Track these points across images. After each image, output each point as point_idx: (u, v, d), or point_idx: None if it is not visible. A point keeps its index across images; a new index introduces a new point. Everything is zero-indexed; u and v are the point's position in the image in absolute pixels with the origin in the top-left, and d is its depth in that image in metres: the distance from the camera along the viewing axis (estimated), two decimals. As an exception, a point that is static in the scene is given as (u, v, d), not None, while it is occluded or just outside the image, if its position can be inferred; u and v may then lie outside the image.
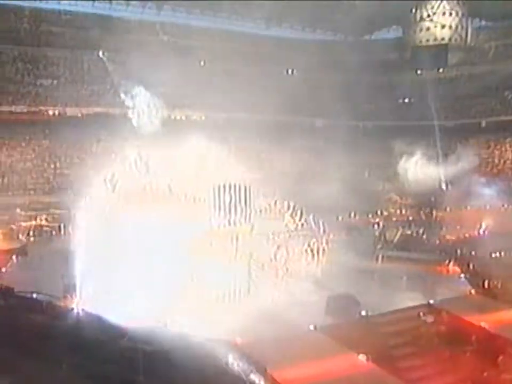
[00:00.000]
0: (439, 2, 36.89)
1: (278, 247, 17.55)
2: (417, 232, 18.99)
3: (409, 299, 14.31)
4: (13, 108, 31.87)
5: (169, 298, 13.45)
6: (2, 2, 34.06)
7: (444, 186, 29.38)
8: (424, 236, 18.62)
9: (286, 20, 39.46)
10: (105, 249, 14.14)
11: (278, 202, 21.49)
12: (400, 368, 11.56)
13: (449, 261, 17.02)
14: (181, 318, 12.52)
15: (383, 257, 17.77)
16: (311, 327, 12.26)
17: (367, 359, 10.98)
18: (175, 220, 15.03)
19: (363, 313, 13.25)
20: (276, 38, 39.28)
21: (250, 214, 17.17)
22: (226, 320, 12.86)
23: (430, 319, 13.62)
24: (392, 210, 24.56)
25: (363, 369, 10.77)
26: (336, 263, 17.03)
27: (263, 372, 9.94)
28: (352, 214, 24.81)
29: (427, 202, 26.73)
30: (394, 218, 20.59)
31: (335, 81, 38.65)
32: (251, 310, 13.89)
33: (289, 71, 38.73)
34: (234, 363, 10.19)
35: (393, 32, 39.59)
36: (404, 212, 24.26)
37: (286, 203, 22.03)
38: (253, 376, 9.61)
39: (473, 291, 14.95)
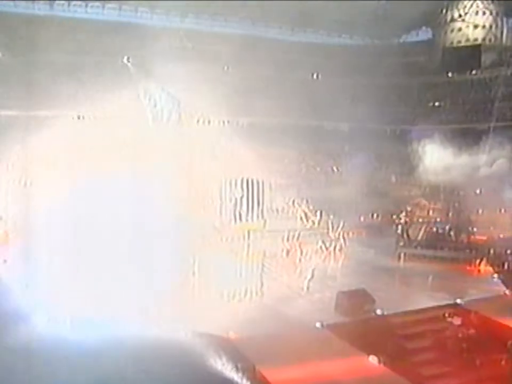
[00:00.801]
0: (471, 1, 34.78)
1: (294, 245, 16.21)
2: (443, 229, 17.02)
3: (434, 298, 12.47)
4: (40, 113, 31.75)
5: (176, 293, 12.33)
6: (29, 11, 34.28)
7: (477, 191, 27.18)
8: (452, 233, 16.65)
9: (311, 26, 38.11)
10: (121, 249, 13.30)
11: (296, 202, 20.06)
12: (419, 376, 9.73)
13: (481, 260, 15.09)
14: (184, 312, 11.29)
15: (405, 255, 16.00)
16: (317, 325, 10.60)
17: (379, 362, 9.22)
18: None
19: (378, 311, 11.50)
20: (301, 43, 37.97)
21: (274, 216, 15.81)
22: (232, 316, 11.45)
23: (457, 321, 11.69)
24: (420, 213, 22.54)
25: (373, 372, 9.04)
26: (355, 260, 15.47)
27: (250, 369, 8.40)
28: (375, 215, 23.05)
29: (458, 207, 24.63)
30: (420, 220, 18.66)
31: (362, 86, 36.99)
32: (259, 306, 12.45)
33: (314, 76, 37.28)
34: (220, 360, 8.72)
35: (422, 35, 37.60)
36: (432, 214, 22.21)
37: (305, 203, 20.63)
38: (237, 374, 8.13)
39: (507, 292, 12.95)
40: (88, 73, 34.17)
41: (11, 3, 33.79)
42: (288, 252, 16.61)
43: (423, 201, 28.75)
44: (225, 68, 36.47)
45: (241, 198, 21.22)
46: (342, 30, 38.65)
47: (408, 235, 17.20)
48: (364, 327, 11.03)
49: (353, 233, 19.29)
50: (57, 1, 34.40)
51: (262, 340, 9.91)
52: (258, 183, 22.24)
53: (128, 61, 35.27)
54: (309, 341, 9.92)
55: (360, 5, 34.86)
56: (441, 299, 12.37)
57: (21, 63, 33.00)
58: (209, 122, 34.56)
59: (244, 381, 8.11)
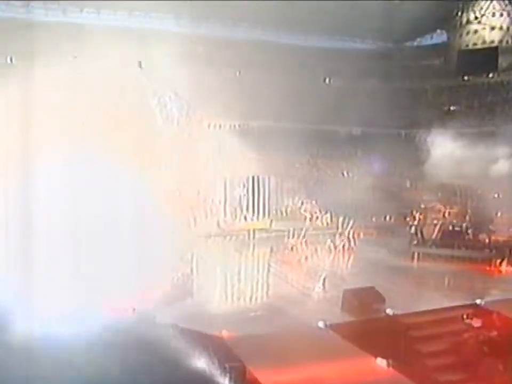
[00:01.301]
0: (488, 2, 33.55)
1: (302, 245, 15.14)
2: (460, 227, 15.75)
3: (451, 298, 11.22)
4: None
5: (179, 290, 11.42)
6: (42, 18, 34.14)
7: (495, 193, 25.78)
8: (469, 232, 15.36)
9: (324, 30, 37.25)
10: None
11: (306, 204, 19.02)
12: (434, 382, 8.51)
13: (502, 260, 13.79)
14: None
15: (419, 254, 14.78)
16: (320, 324, 9.46)
17: (388, 365, 8.04)
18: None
19: (389, 311, 10.31)
20: (314, 47, 37.10)
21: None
22: (232, 315, 10.41)
23: (477, 322, 10.41)
24: (435, 216, 21.24)
25: (381, 375, 7.85)
26: (366, 260, 14.31)
27: (240, 370, 7.32)
28: (388, 217, 21.86)
29: (475, 208, 23.28)
30: (435, 221, 17.40)
31: (375, 89, 36.00)
32: (262, 306, 11.38)
33: (327, 80, 36.32)
34: (207, 359, 7.67)
35: (437, 38, 36.40)
36: (448, 217, 20.89)
37: (315, 205, 19.60)
38: (225, 374, 7.08)
39: (532, 292, 11.66)
40: (99, 78, 33.89)
41: (23, 10, 33.83)
42: (295, 251, 15.52)
43: (438, 205, 27.40)
44: (237, 72, 35.80)
45: (247, 197, 20.21)
46: (355, 34, 37.67)
47: (422, 234, 15.96)
48: (372, 327, 9.85)
49: (364, 233, 18.16)
50: (70, 8, 34.21)
51: (258, 339, 8.83)
52: (265, 184, 21.20)
53: (139, 66, 34.97)
54: (309, 341, 8.80)
55: (373, 9, 34.04)
56: (459, 299, 11.08)
57: (32, 67, 32.78)
58: (220, 126, 33.97)
59: (232, 382, 7.07)
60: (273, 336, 8.95)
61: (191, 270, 12.96)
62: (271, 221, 18.40)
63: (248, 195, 19.78)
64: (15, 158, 14.88)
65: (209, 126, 32.97)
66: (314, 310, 10.57)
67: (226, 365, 7.44)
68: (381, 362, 8.05)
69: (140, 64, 34.39)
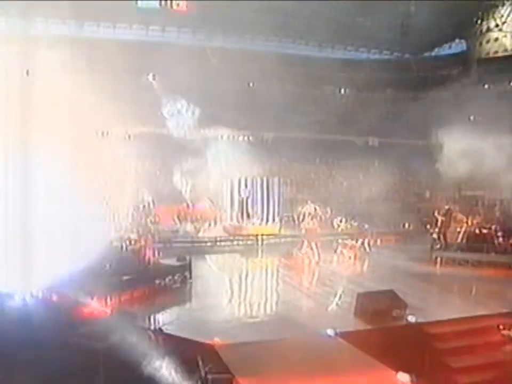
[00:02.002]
0: (509, 9, 31.98)
1: (313, 250, 13.57)
2: (489, 229, 13.99)
3: (483, 306, 9.49)
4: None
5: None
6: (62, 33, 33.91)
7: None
8: (499, 235, 13.59)
9: (339, 42, 36.18)
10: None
11: (320, 212, 17.46)
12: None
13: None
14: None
15: (442, 259, 13.08)
16: (329, 332, 7.83)
17: (411, 381, 6.37)
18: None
19: (411, 318, 8.62)
20: (329, 59, 35.96)
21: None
22: (234, 321, 8.88)
23: (515, 333, 8.65)
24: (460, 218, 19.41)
25: (402, 392, 6.18)
26: (383, 266, 12.66)
27: (227, 381, 5.77)
28: (406, 225, 20.17)
29: (505, 213, 21.42)
30: (459, 224, 15.64)
31: (392, 100, 34.65)
32: (269, 313, 9.83)
33: (342, 91, 35.04)
34: (192, 368, 6.17)
35: (455, 47, 34.92)
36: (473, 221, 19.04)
37: (329, 214, 18.03)
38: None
39: None
40: (113, 91, 33.27)
41: (43, 26, 33.65)
42: (306, 257, 13.97)
43: (460, 216, 25.47)
44: (251, 84, 34.84)
45: (255, 200, 18.88)
46: (371, 45, 36.50)
47: (445, 238, 14.25)
48: (392, 336, 8.17)
49: (381, 240, 16.52)
50: (87, 23, 33.92)
51: (254, 347, 7.26)
52: (275, 188, 19.83)
53: (154, 79, 34.29)
54: (315, 350, 7.17)
55: (389, 20, 32.88)
56: (491, 307, 9.33)
57: (50, 81, 32.35)
58: (233, 137, 32.87)
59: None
60: (273, 345, 7.36)
61: (189, 275, 11.46)
62: (281, 226, 16.99)
63: (256, 198, 18.53)
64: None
65: (221, 137, 32.05)
66: (326, 317, 8.93)
67: (209, 376, 5.93)
68: (403, 377, 6.40)
69: (153, 76, 33.89)
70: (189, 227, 18.78)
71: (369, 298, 8.72)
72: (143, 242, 10.85)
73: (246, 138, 32.59)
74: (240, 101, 33.97)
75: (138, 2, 31.17)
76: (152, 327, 7.83)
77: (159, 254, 11.32)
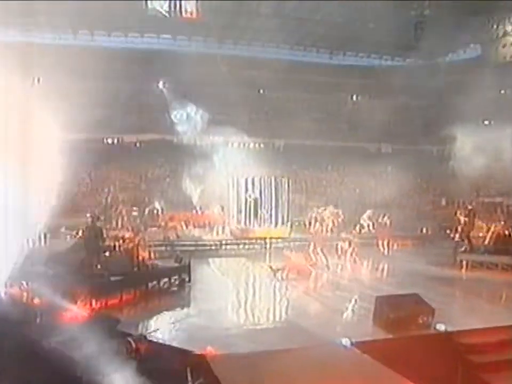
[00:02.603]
0: (526, 13, 30.63)
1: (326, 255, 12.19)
2: (520, 228, 12.48)
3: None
4: (74, 136, 30.01)
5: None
6: (74, 43, 33.46)
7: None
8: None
9: (351, 49, 35.06)
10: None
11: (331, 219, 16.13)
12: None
13: None
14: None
15: (468, 263, 11.61)
16: (344, 341, 6.45)
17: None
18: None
19: (440, 327, 7.19)
20: (340, 66, 34.84)
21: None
22: (236, 329, 7.53)
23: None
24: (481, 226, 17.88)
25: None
26: (401, 270, 11.23)
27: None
28: (424, 230, 18.70)
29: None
30: (486, 226, 14.18)
31: (405, 106, 33.26)
32: (278, 322, 8.47)
33: (354, 97, 33.80)
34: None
35: (470, 52, 33.47)
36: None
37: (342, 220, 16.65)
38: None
39: None
40: (124, 99, 32.57)
41: (53, 35, 33.20)
42: (319, 261, 12.61)
43: (480, 223, 23.82)
44: (261, 91, 33.85)
45: (263, 202, 17.61)
46: (383, 52, 35.32)
47: (469, 240, 12.76)
48: (417, 347, 6.76)
49: (397, 244, 15.08)
50: (97, 31, 33.36)
51: (255, 359, 5.91)
52: (285, 189, 18.53)
53: (164, 86, 33.52)
54: (326, 362, 5.79)
55: (401, 26, 31.69)
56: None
57: (63, 90, 31.81)
58: (244, 144, 31.78)
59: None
60: (277, 356, 6.01)
61: (188, 278, 10.16)
62: (291, 229, 15.65)
63: (265, 201, 17.27)
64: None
65: (232, 144, 30.99)
66: (340, 325, 7.54)
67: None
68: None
69: (164, 83, 33.12)
70: (196, 232, 17.58)
71: (391, 303, 7.31)
72: (136, 242, 9.60)
73: (257, 145, 31.48)
74: (251, 107, 33.05)
75: (149, 10, 30.37)
76: (136, 335, 6.54)
77: (154, 255, 10.05)
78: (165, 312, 8.38)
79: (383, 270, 12.17)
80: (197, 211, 23.62)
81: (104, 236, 9.46)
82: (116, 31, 33.19)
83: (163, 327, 7.52)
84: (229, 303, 9.36)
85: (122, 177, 29.07)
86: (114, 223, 17.22)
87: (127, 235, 9.97)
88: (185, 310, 8.69)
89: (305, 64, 34.79)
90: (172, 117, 30.60)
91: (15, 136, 8.94)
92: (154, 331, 6.96)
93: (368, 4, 28.38)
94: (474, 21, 30.92)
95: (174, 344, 6.61)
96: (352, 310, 8.36)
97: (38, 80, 29.46)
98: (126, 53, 33.44)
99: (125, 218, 17.46)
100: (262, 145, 31.68)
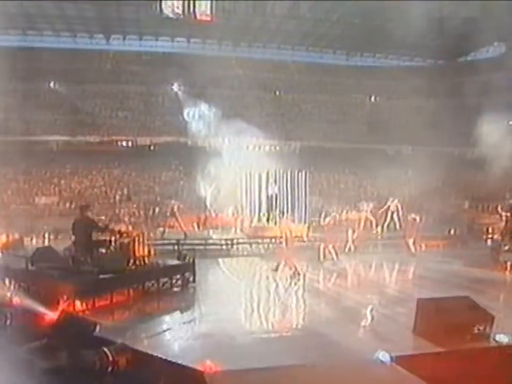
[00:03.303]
0: (553, 9, 28.57)
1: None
2: None
3: None
4: (87, 138, 29.22)
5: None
6: (91, 47, 32.80)
7: None
8: None
9: (368, 50, 33.52)
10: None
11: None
12: None
13: None
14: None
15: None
16: (382, 356, 4.85)
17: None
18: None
19: (501, 338, 5.53)
20: (357, 67, 33.31)
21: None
22: (244, 338, 5.98)
23: None
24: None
25: None
26: (438, 272, 9.59)
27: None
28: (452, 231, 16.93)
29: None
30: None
31: (425, 107, 31.50)
32: (291, 327, 6.89)
33: (372, 98, 32.20)
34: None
35: (494, 51, 31.59)
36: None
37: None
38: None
39: None
40: (138, 101, 31.65)
41: (71, 40, 32.56)
42: (343, 261, 11.04)
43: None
44: (277, 93, 32.52)
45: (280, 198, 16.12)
46: (402, 52, 33.70)
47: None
48: (472, 363, 5.12)
49: (425, 245, 13.40)
50: (113, 36, 32.57)
51: (265, 376, 4.37)
52: (302, 185, 17.02)
53: (179, 89, 32.45)
54: (358, 382, 4.22)
55: (421, 26, 30.03)
56: None
57: (77, 93, 31.09)
58: (259, 147, 30.40)
59: None
60: (293, 372, 4.47)
61: (192, 278, 8.67)
62: (309, 227, 14.10)
63: (282, 195, 15.81)
64: None
65: (247, 146, 29.63)
66: (373, 335, 5.94)
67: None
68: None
69: (179, 86, 32.07)
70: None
71: (438, 307, 5.68)
72: (134, 236, 8.17)
73: (272, 147, 30.03)
74: (266, 109, 31.74)
75: (164, 12, 29.29)
76: (117, 343, 5.06)
77: (155, 251, 8.59)
78: (161, 316, 6.90)
79: (415, 270, 10.50)
80: (210, 213, 22.48)
81: (97, 229, 8.07)
82: (130, 34, 32.38)
83: (156, 334, 6.05)
84: (238, 306, 7.81)
85: (136, 180, 28.02)
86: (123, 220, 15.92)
87: (123, 229, 8.56)
88: (186, 313, 7.19)
89: (322, 66, 33.40)
90: (186, 119, 29.47)
91: None
92: (144, 338, 5.48)
93: (385, 3, 26.92)
94: (499, 19, 29.16)
95: (166, 355, 5.12)
96: (387, 316, 6.73)
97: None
98: (140, 56, 32.79)
99: (134, 217, 16.13)
100: (277, 148, 30.21)
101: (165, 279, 8.06)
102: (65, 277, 6.75)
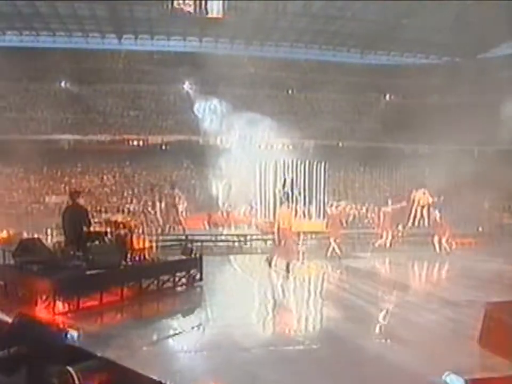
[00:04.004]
0: None
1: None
2: None
3: None
4: (99, 137, 28.15)
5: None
6: (103, 47, 31.86)
7: None
8: None
9: (383, 48, 32.04)
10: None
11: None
12: None
13: None
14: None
15: None
16: (450, 380, 3.31)
17: None
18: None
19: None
20: (371, 65, 31.82)
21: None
22: (259, 350, 4.55)
23: None
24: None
25: None
26: (477, 270, 8.09)
27: None
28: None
29: None
30: None
31: (443, 105, 29.84)
32: (318, 337, 5.43)
33: (387, 97, 30.66)
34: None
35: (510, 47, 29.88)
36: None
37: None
38: None
39: None
40: (150, 100, 30.53)
41: (83, 40, 31.69)
42: (371, 259, 9.58)
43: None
44: (290, 91, 31.16)
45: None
46: (417, 49, 32.15)
47: None
48: None
49: (456, 242, 11.88)
50: (124, 35, 31.59)
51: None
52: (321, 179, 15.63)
53: (190, 88, 31.29)
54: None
55: (435, 22, 28.51)
56: None
57: (88, 92, 30.15)
58: (271, 146, 29.08)
59: None
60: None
61: (199, 275, 7.28)
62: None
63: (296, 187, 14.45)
64: None
65: (260, 145, 28.33)
66: (430, 349, 4.46)
67: None
68: None
69: (190, 85, 30.89)
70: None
71: (510, 313, 4.22)
72: (132, 227, 6.83)
73: (286, 146, 28.65)
74: (279, 108, 30.40)
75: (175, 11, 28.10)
76: (99, 357, 3.69)
77: (156, 245, 7.23)
78: (159, 320, 5.53)
79: (454, 269, 9.02)
80: (222, 212, 21.34)
81: (90, 218, 6.76)
82: (142, 33, 31.36)
83: (149, 344, 4.69)
84: (251, 310, 6.41)
85: (147, 179, 26.87)
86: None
87: (120, 219, 7.22)
88: (189, 318, 5.82)
89: (335, 64, 31.97)
90: (197, 115, 28.31)
91: None
92: (133, 349, 4.12)
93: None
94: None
95: (159, 374, 3.76)
96: (441, 324, 5.26)
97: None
98: (151, 55, 31.72)
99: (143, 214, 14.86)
100: (290, 146, 28.80)
101: (167, 277, 6.67)
102: (46, 272, 5.41)
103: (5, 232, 13.56)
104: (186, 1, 27.12)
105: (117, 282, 6.10)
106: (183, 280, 6.91)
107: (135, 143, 28.65)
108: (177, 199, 14.45)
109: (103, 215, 7.36)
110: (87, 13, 28.50)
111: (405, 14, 27.74)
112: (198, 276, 7.10)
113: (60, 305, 5.32)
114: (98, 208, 20.50)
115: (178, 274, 6.85)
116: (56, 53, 29.59)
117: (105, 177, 27.01)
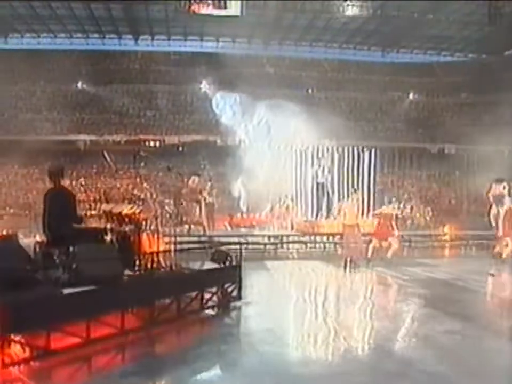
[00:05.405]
0: None
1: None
2: None
3: None
4: (115, 137, 26.07)
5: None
6: (119, 48, 29.91)
7: None
8: None
9: (405, 46, 29.57)
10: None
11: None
12: None
13: None
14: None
15: None
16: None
17: None
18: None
19: None
20: (394, 64, 29.30)
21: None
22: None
23: None
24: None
25: None
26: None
27: None
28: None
29: None
30: None
31: (470, 104, 27.26)
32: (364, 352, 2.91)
33: (411, 96, 28.10)
34: None
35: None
36: None
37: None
38: None
39: None
40: (166, 100, 28.33)
41: (99, 41, 29.78)
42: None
43: None
44: (310, 91, 28.74)
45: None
46: (441, 47, 29.61)
47: None
48: None
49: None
50: (141, 36, 29.63)
51: None
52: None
53: (208, 88, 29.08)
54: None
55: (460, 19, 25.99)
56: None
57: (105, 93, 28.16)
58: (291, 147, 26.68)
59: None
60: None
61: (237, 293, 4.81)
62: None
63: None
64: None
65: (278, 147, 25.97)
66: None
67: None
68: None
69: (207, 86, 28.63)
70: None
71: None
72: (140, 221, 4.41)
73: (305, 147, 26.16)
74: (299, 108, 28.02)
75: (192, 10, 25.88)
76: None
77: (175, 248, 4.77)
78: (175, 368, 3.10)
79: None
80: (242, 214, 19.34)
81: (81, 211, 4.37)
82: (159, 34, 29.32)
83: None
84: (320, 345, 3.95)
85: (163, 180, 24.66)
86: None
87: (125, 210, 4.78)
88: (223, 362, 3.37)
89: (356, 63, 29.55)
90: (216, 115, 26.20)
91: None
92: None
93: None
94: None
95: None
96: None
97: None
98: (168, 55, 29.64)
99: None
100: (310, 147, 26.25)
101: (191, 294, 4.19)
102: (2, 289, 2.97)
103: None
104: (204, 1, 24.99)
105: (115, 305, 3.63)
106: (214, 299, 4.41)
107: (151, 143, 26.54)
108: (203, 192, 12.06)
109: (103, 206, 5.06)
110: (103, 14, 26.79)
111: (428, 10, 25.29)
112: (237, 294, 4.58)
113: (14, 348, 2.90)
114: (98, 197, 18.40)
115: (207, 290, 4.36)
116: (73, 54, 27.99)
117: (120, 178, 24.88)
